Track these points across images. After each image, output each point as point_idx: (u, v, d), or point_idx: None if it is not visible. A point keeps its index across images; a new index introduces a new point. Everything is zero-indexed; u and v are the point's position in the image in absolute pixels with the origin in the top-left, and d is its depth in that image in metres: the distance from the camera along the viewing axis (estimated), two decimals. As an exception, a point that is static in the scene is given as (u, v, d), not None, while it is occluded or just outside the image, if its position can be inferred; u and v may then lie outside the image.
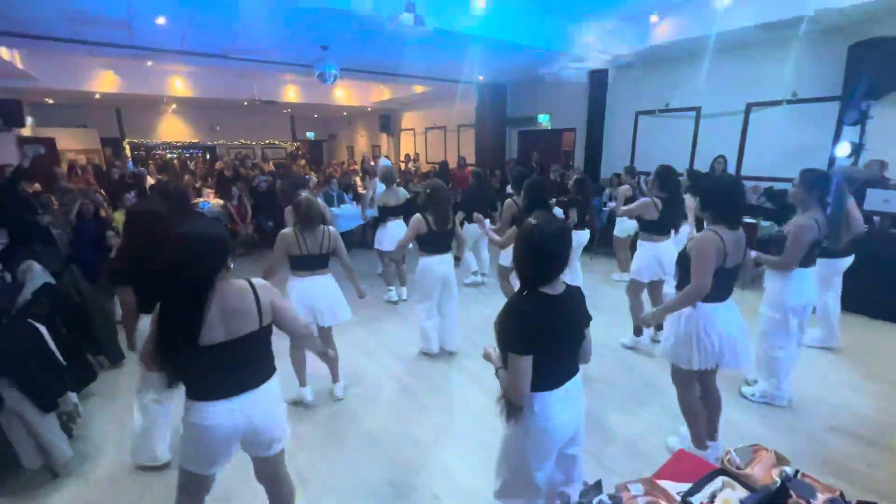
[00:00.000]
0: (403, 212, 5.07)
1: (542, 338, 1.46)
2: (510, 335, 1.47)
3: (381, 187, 5.42)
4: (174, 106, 13.46)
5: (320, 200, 3.81)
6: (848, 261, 3.53)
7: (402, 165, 11.40)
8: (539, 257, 1.47)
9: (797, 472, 1.33)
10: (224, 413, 1.50)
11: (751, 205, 5.90)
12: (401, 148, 14.36)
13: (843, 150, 5.27)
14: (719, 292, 2.21)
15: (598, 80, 8.03)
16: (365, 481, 2.36)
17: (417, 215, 3.43)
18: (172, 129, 14.62)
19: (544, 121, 9.31)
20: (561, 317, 1.51)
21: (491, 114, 9.93)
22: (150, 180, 8.28)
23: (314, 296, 2.90)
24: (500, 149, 10.22)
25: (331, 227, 2.95)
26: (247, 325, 1.51)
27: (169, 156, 14.60)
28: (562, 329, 1.52)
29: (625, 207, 3.89)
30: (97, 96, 10.31)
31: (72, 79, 9.08)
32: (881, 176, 4.95)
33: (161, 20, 4.91)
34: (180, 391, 2.20)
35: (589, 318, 1.64)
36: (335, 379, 3.15)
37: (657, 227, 3.64)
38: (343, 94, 12.98)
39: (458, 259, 3.89)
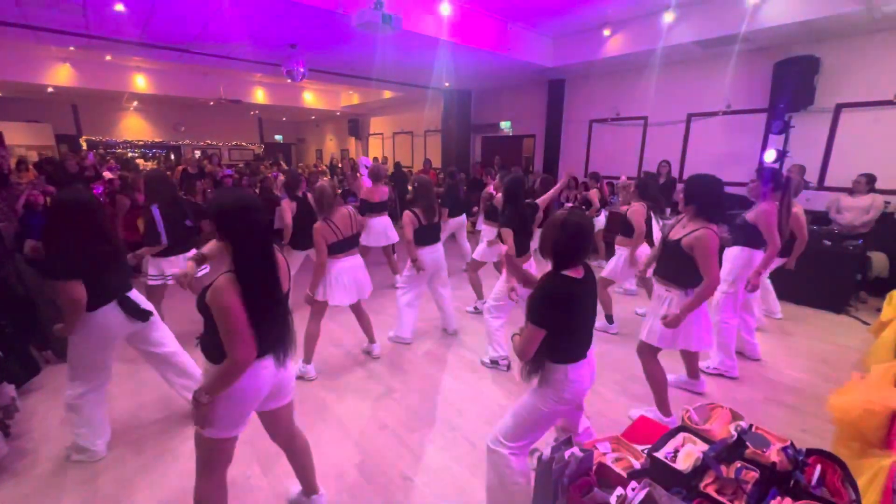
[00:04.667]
0: (385, 209, 5.23)
1: (565, 315, 1.64)
2: (535, 307, 1.65)
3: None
4: (136, 103, 13.10)
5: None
6: (780, 260, 3.88)
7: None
8: (572, 242, 1.64)
9: (751, 425, 1.46)
10: (264, 367, 1.59)
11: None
12: (369, 152, 14.46)
13: (769, 156, 5.82)
14: (699, 282, 2.43)
15: (555, 89, 8.47)
16: (332, 466, 2.35)
17: (407, 212, 3.55)
18: (134, 128, 14.18)
19: (506, 127, 9.69)
20: (582, 298, 1.69)
21: (456, 120, 10.24)
22: (109, 175, 8.06)
23: (356, 274, 3.22)
24: (464, 153, 10.54)
25: (351, 208, 3.20)
26: (286, 282, 1.64)
27: (130, 154, 14.13)
28: (585, 309, 1.72)
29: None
30: (50, 90, 9.92)
31: (21, 69, 8.71)
32: (802, 178, 5.49)
33: (119, 7, 4.82)
34: (100, 383, 2.33)
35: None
36: (371, 340, 3.58)
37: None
38: (312, 97, 13.01)
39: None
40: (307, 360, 3.24)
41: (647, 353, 2.64)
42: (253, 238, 1.48)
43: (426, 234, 3.62)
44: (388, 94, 11.29)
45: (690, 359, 2.96)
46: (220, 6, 4.89)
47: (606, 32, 6.56)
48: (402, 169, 10.52)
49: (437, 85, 9.26)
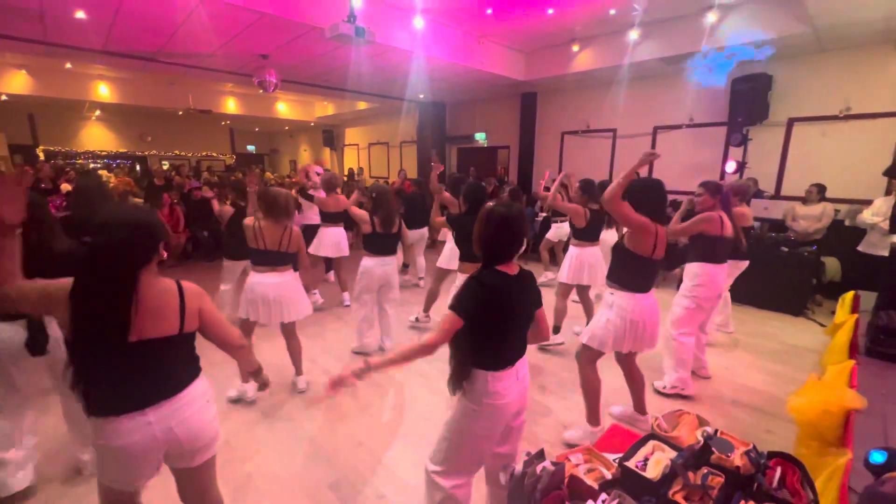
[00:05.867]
0: (343, 219, 5.06)
1: (492, 313, 1.51)
2: (459, 298, 1.52)
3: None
4: (98, 112, 12.60)
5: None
6: (745, 263, 3.99)
7: (346, 179, 11.47)
8: (500, 235, 1.55)
9: (716, 431, 1.51)
10: (139, 427, 1.33)
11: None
12: (344, 162, 14.37)
13: (730, 167, 6.12)
14: (645, 282, 2.45)
15: (528, 102, 8.67)
16: (305, 486, 2.27)
17: (365, 212, 3.50)
18: (96, 138, 13.62)
19: (481, 138, 9.84)
20: (514, 296, 1.55)
21: (431, 131, 10.33)
22: (68, 187, 7.69)
23: (269, 294, 2.91)
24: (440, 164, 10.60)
25: (295, 227, 2.97)
26: (163, 327, 1.35)
27: (92, 166, 13.54)
28: (514, 308, 1.56)
29: (560, 204, 3.83)
30: (4, 97, 9.44)
31: (-28, 76, 8.31)
32: (756, 190, 5.80)
33: (80, 14, 4.63)
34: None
35: (539, 298, 1.70)
36: (298, 372, 3.24)
37: (585, 234, 3.91)
38: (285, 107, 12.86)
39: (406, 266, 3.87)
40: (298, 373, 3.18)
41: (584, 358, 2.59)
42: (96, 259, 1.24)
43: (380, 244, 3.55)
44: (363, 104, 11.27)
45: (637, 389, 2.82)
46: (187, 16, 4.79)
47: (575, 48, 6.78)
48: (355, 178, 10.47)
49: (412, 97, 9.32)
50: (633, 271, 2.47)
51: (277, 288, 2.95)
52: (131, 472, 1.38)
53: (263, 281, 2.93)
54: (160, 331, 1.33)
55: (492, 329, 1.52)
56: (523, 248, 1.66)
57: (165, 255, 1.39)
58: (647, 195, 2.44)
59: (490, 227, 1.56)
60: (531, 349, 3.76)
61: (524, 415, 1.74)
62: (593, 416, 2.61)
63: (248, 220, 2.90)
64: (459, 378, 1.57)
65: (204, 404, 1.47)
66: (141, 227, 1.30)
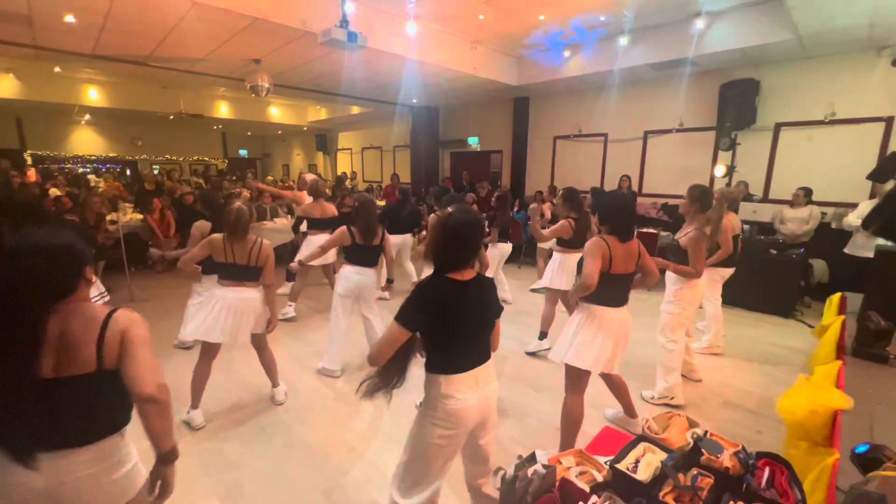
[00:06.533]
0: (329, 226, 4.93)
1: (439, 319, 1.49)
2: (405, 307, 1.51)
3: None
4: (88, 116, 12.47)
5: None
6: (730, 271, 3.95)
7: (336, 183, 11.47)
8: (451, 242, 1.53)
9: (706, 432, 1.52)
10: (21, 472, 1.16)
11: (652, 218, 6.72)
12: (337, 167, 14.35)
13: (719, 170, 6.21)
14: (610, 296, 2.37)
15: (520, 106, 8.74)
16: (297, 493, 2.27)
17: (343, 226, 3.44)
18: (86, 142, 13.47)
19: (474, 143, 9.89)
20: (468, 302, 1.54)
21: (425, 135, 10.36)
22: (57, 192, 7.61)
23: (239, 310, 2.81)
24: (433, 168, 10.66)
25: (265, 241, 2.87)
26: (78, 363, 1.17)
27: (81, 170, 13.38)
28: (468, 314, 1.54)
29: (548, 231, 3.89)
30: (-9, 101, 9.33)
31: (-42, 79, 8.20)
32: (746, 193, 5.89)
33: (69, 17, 4.59)
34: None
35: (500, 308, 1.68)
36: (274, 384, 3.17)
37: (570, 242, 3.87)
38: (278, 112, 12.82)
39: (390, 281, 3.78)
40: (274, 385, 3.13)
41: (568, 382, 2.43)
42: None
43: (359, 255, 3.48)
44: (356, 109, 11.27)
45: (622, 395, 2.79)
46: (179, 21, 4.78)
47: (567, 53, 6.85)
48: (345, 183, 10.44)
49: (405, 101, 9.35)
50: (600, 287, 2.34)
51: (241, 303, 2.82)
52: None
53: (227, 295, 2.81)
54: (75, 368, 1.17)
55: (440, 334, 1.52)
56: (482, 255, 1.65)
57: (94, 278, 1.28)
58: (614, 213, 2.39)
59: (443, 234, 1.54)
60: (524, 356, 3.87)
61: (490, 434, 1.71)
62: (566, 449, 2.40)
63: (216, 235, 2.81)
64: (376, 385, 1.57)
65: (109, 466, 1.24)
66: (56, 254, 1.16)
